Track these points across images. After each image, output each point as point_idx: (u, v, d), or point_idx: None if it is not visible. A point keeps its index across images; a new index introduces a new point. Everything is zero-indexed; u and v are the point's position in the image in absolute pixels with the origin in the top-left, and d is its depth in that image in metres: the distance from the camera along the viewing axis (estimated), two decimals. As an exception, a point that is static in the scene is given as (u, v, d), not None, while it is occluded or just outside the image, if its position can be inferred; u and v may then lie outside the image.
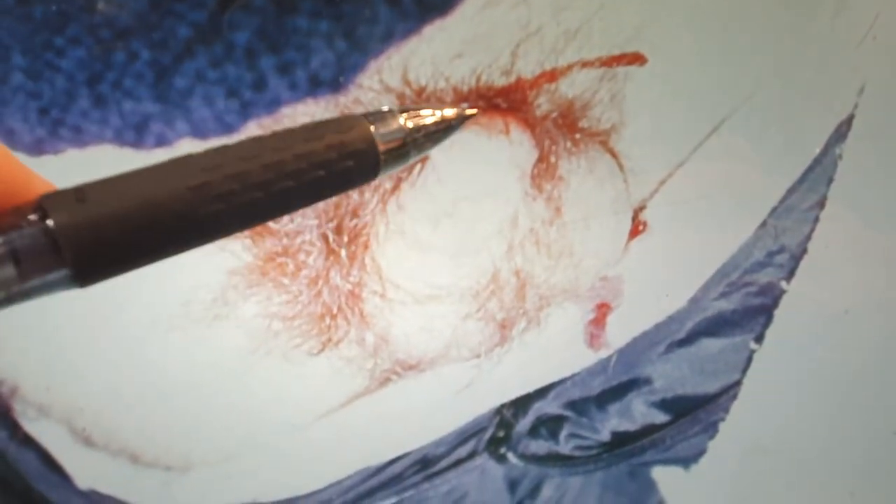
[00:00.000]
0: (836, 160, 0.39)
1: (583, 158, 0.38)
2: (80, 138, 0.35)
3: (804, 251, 0.40)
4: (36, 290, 0.14)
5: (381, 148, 0.17)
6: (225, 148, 0.15)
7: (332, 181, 0.16)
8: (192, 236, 0.15)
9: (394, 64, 0.36)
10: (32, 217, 0.13)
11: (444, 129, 0.18)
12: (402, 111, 0.18)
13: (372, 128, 0.17)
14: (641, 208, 0.39)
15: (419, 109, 0.18)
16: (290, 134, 0.16)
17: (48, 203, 0.13)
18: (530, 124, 0.37)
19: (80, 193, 0.14)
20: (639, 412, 0.40)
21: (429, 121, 0.18)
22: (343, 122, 0.17)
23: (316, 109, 0.36)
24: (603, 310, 0.39)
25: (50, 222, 0.13)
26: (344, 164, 0.16)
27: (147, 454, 0.38)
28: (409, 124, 0.18)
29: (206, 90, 0.35)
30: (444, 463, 0.40)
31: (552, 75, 0.37)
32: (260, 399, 0.38)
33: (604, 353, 0.40)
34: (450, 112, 0.19)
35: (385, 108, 0.18)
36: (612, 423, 0.41)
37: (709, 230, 0.39)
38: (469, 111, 0.19)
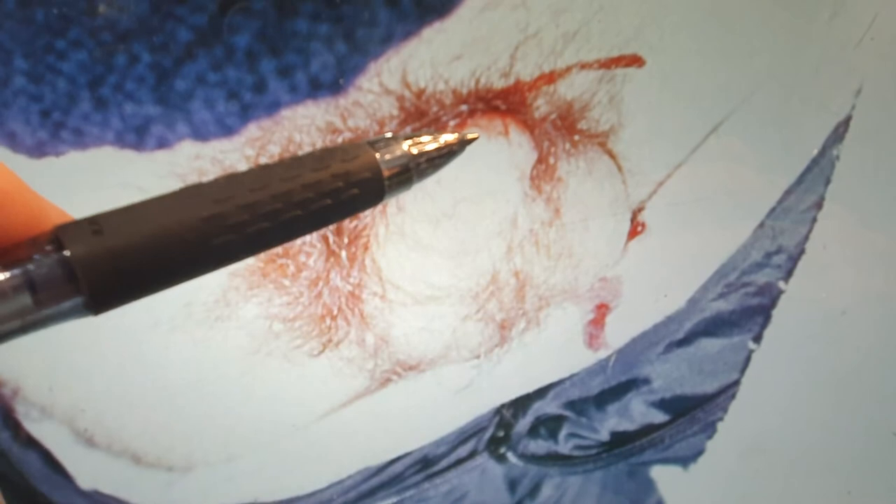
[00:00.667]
0: (834, 161, 0.39)
1: (582, 160, 0.38)
2: (81, 141, 0.35)
3: (802, 252, 0.40)
4: (51, 318, 0.14)
5: (386, 174, 0.17)
6: (235, 177, 0.16)
7: (338, 208, 0.17)
8: (204, 265, 0.15)
9: (393, 66, 0.36)
10: (48, 248, 0.14)
11: (446, 154, 0.19)
12: (405, 137, 0.18)
13: (377, 155, 0.17)
14: (640, 209, 0.39)
15: (421, 135, 0.19)
16: (297, 163, 0.16)
17: (64, 234, 0.14)
18: (529, 126, 0.37)
19: (95, 224, 0.14)
20: (638, 412, 0.41)
21: (431, 146, 0.18)
22: (348, 151, 0.17)
23: (316, 111, 0.36)
24: (602, 310, 0.39)
25: (66, 253, 0.14)
26: (350, 192, 0.17)
27: (149, 455, 0.39)
28: (413, 150, 0.18)
29: (207, 93, 0.35)
30: (444, 463, 0.40)
31: (551, 77, 0.37)
32: (261, 399, 0.38)
33: (603, 354, 0.40)
34: (451, 137, 0.19)
35: (388, 135, 0.18)
36: (611, 422, 0.41)
37: (707, 231, 0.39)
38: (471, 135, 0.20)
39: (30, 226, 0.14)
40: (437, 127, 0.37)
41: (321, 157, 0.17)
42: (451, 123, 0.37)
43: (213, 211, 0.15)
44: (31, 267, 0.13)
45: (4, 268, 0.13)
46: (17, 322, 0.13)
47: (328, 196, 0.16)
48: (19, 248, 0.14)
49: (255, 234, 0.15)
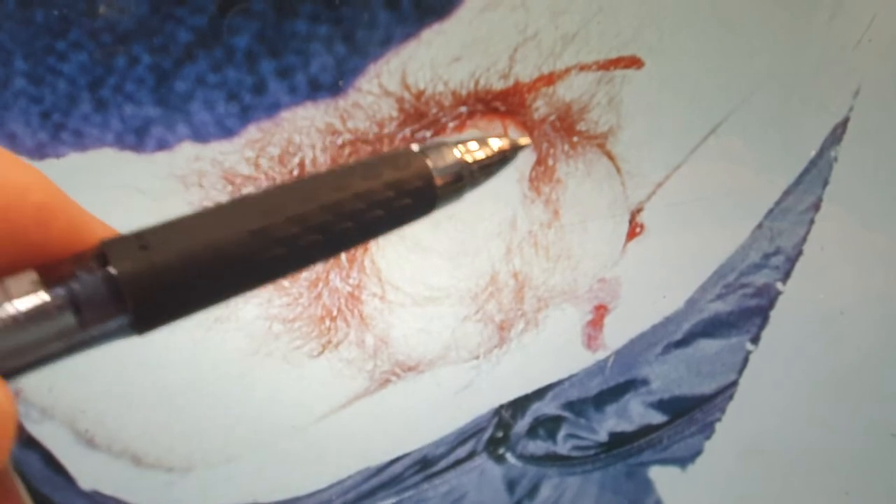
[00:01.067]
0: (832, 162, 0.39)
1: (580, 161, 0.38)
2: (81, 142, 0.35)
3: (800, 253, 0.40)
4: (95, 339, 0.13)
5: (439, 182, 0.17)
6: (283, 188, 0.15)
7: (389, 219, 0.16)
8: (253, 280, 0.15)
9: (392, 68, 0.36)
10: (93, 264, 0.13)
11: (498, 162, 0.18)
12: (457, 143, 0.17)
13: (429, 162, 0.17)
14: (639, 210, 0.39)
15: (472, 140, 0.18)
16: (347, 172, 0.16)
17: (110, 250, 0.13)
18: (528, 127, 0.38)
19: (141, 240, 0.13)
20: (636, 413, 0.41)
21: (484, 154, 0.17)
22: (400, 158, 0.16)
23: (315, 113, 0.36)
24: (600, 311, 0.39)
25: (112, 270, 0.13)
26: (402, 202, 0.16)
27: (149, 455, 0.39)
28: (466, 158, 0.17)
29: (207, 94, 0.35)
30: (443, 463, 0.40)
31: (550, 79, 0.37)
32: (261, 400, 0.38)
33: (601, 355, 0.40)
34: (504, 143, 0.18)
35: (440, 140, 0.17)
36: (609, 423, 0.41)
37: (705, 232, 0.39)
38: (523, 141, 0.18)
39: (73, 240, 0.14)
40: (438, 129, 0.37)
41: (372, 165, 0.16)
42: (451, 125, 0.37)
43: (261, 224, 0.14)
44: (75, 285, 0.13)
45: (48, 286, 0.12)
46: (62, 343, 0.13)
47: (380, 206, 0.16)
48: (63, 264, 0.13)
49: (304, 248, 0.15)
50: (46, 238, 0.13)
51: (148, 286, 0.13)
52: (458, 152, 0.17)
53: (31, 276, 0.12)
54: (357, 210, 0.15)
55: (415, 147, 0.17)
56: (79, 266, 0.13)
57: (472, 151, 0.17)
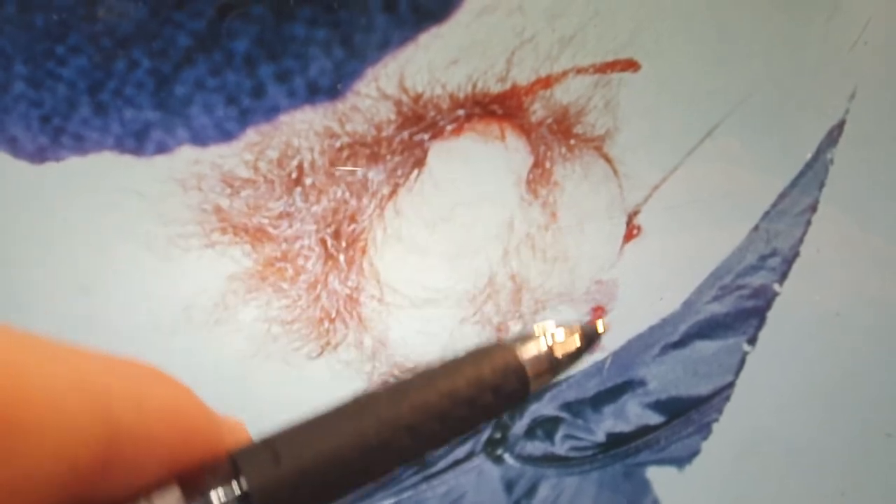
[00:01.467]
0: (828, 164, 0.39)
1: (577, 164, 0.38)
2: (81, 146, 0.35)
3: (796, 254, 0.40)
4: None
5: (530, 375, 0.17)
6: (400, 394, 0.16)
7: (485, 415, 0.17)
8: (367, 485, 0.16)
9: (390, 71, 0.36)
10: (227, 475, 0.14)
11: (586, 350, 0.19)
12: (543, 333, 0.18)
13: (519, 355, 0.17)
14: (635, 213, 0.39)
15: (556, 330, 0.18)
16: (447, 373, 0.17)
17: (243, 462, 0.14)
18: (526, 130, 0.38)
19: (271, 449, 0.14)
20: (633, 413, 0.41)
21: (573, 346, 0.18)
22: (494, 353, 0.17)
23: (314, 116, 0.36)
24: (598, 313, 0.40)
25: (245, 484, 0.14)
26: (498, 401, 0.17)
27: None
28: (556, 350, 0.18)
29: (206, 98, 0.36)
30: (441, 464, 0.41)
31: (547, 82, 0.37)
32: (260, 402, 0.38)
33: (598, 356, 0.40)
34: (588, 329, 0.19)
35: (526, 333, 0.18)
36: (607, 424, 0.41)
37: (702, 234, 0.40)
38: (601, 327, 0.19)
39: (205, 446, 0.14)
40: (435, 132, 0.37)
41: (467, 363, 0.17)
42: (449, 128, 0.37)
43: (385, 435, 0.15)
44: (209, 498, 0.13)
45: (188, 498, 0.13)
46: None
47: (469, 404, 0.17)
48: (200, 477, 0.14)
49: (416, 457, 0.16)
50: (188, 451, 0.14)
51: (278, 498, 0.14)
52: (544, 343, 0.18)
53: (174, 494, 0.13)
54: (464, 418, 0.16)
55: (502, 339, 0.18)
56: (213, 478, 0.14)
57: (561, 344, 0.18)
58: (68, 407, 0.11)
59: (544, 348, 0.18)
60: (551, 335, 0.18)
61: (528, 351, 0.17)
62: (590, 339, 0.19)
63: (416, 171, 0.37)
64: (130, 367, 0.14)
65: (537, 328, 0.18)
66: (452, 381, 0.16)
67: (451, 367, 0.17)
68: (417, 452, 0.16)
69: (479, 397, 0.16)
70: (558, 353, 0.18)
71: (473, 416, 0.16)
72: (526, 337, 0.18)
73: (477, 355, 0.17)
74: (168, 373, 0.14)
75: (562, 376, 0.18)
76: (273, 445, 0.14)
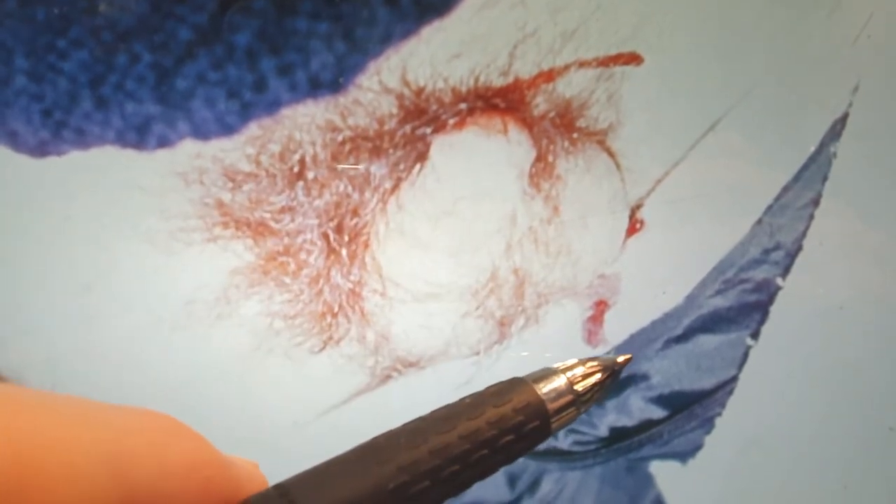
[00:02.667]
0: (831, 158, 0.39)
1: (580, 157, 0.38)
2: (82, 140, 0.35)
3: (799, 248, 0.40)
4: None
5: (551, 412, 0.17)
6: (416, 438, 0.16)
7: (511, 454, 0.17)
8: None
9: (392, 65, 0.36)
10: None
11: (609, 385, 0.18)
12: (564, 369, 0.18)
13: (539, 392, 0.17)
14: (638, 206, 0.39)
15: (575, 366, 0.18)
16: (469, 412, 0.16)
17: None
18: (528, 124, 0.38)
19: (289, 500, 0.14)
20: (636, 408, 0.41)
21: (593, 381, 0.18)
22: (510, 394, 0.17)
23: (316, 110, 0.36)
24: (601, 307, 0.40)
25: None
26: (520, 440, 0.17)
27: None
28: (578, 388, 0.18)
29: (208, 91, 0.35)
30: (444, 459, 0.41)
31: (549, 75, 0.37)
32: (262, 397, 0.38)
33: (601, 350, 0.40)
34: (607, 361, 0.19)
35: (548, 370, 0.18)
36: (609, 418, 0.41)
37: (705, 228, 0.40)
38: (622, 359, 0.19)
39: (222, 496, 0.14)
40: (438, 126, 0.37)
41: (486, 404, 0.17)
42: (451, 122, 0.37)
43: (399, 480, 0.15)
44: None
45: None
46: None
47: (489, 446, 0.16)
48: None
49: (435, 502, 0.16)
50: (199, 496, 0.14)
51: None
52: (565, 379, 0.18)
53: None
54: (485, 459, 0.16)
55: (523, 377, 0.18)
56: None
57: (580, 380, 0.18)
58: (83, 472, 0.11)
59: (563, 383, 0.18)
60: (570, 369, 0.18)
61: (548, 387, 0.17)
62: (610, 370, 0.18)
63: (418, 165, 0.37)
64: (145, 419, 0.13)
65: (557, 365, 0.18)
66: (472, 423, 0.16)
67: (470, 407, 0.16)
68: (436, 499, 0.16)
69: (500, 438, 0.16)
70: (579, 388, 0.18)
71: (494, 459, 0.16)
72: (545, 373, 0.18)
73: (496, 394, 0.17)
74: (184, 424, 0.14)
75: (584, 412, 0.18)
76: (289, 494, 0.14)
